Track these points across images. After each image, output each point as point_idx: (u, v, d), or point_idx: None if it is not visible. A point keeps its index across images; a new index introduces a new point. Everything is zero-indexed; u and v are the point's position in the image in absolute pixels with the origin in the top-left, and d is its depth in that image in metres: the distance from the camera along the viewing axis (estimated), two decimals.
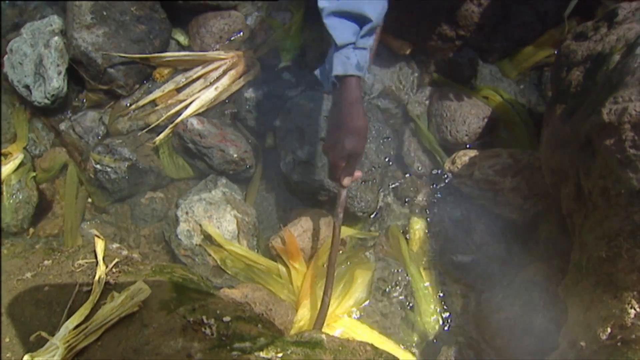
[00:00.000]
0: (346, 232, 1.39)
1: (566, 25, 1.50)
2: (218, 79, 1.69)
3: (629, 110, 0.82)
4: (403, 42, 1.58)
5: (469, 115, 1.45)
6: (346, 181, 1.15)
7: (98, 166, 1.53)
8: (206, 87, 1.69)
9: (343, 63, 1.05)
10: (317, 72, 1.17)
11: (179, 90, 1.70)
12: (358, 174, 1.17)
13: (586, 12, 1.50)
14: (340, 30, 1.06)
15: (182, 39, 1.81)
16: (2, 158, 1.54)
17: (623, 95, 0.84)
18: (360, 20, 1.05)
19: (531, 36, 1.58)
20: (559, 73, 1.14)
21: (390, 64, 1.59)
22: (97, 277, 1.05)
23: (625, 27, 1.00)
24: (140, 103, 1.66)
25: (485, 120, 1.45)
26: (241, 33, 1.79)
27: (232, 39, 1.77)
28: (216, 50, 1.75)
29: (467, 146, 1.46)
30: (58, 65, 1.63)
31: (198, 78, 1.71)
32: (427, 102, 1.55)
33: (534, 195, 1.30)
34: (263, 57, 1.72)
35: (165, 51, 1.76)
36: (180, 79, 1.71)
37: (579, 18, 1.52)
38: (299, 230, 1.37)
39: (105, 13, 1.63)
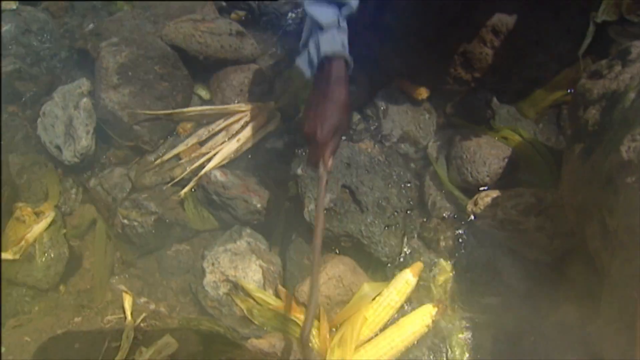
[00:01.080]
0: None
1: (581, 64, 1.52)
2: (239, 130, 1.73)
3: None
4: (419, 86, 1.61)
5: (489, 156, 1.45)
6: (331, 162, 1.16)
7: (125, 221, 1.57)
8: (228, 139, 1.73)
9: (330, 43, 1.14)
10: (297, 60, 1.22)
11: (201, 143, 1.75)
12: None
13: (600, 51, 1.51)
14: (323, 14, 1.15)
15: (203, 93, 1.87)
16: (35, 217, 1.58)
17: None
18: (338, 4, 1.16)
19: (547, 76, 1.59)
20: (576, 112, 1.14)
21: (408, 109, 1.61)
22: (125, 333, 1.07)
23: (639, 65, 1.01)
24: (165, 157, 1.71)
25: (506, 160, 1.45)
26: (261, 85, 1.84)
27: (252, 91, 1.83)
28: (237, 102, 1.80)
29: (489, 187, 1.46)
30: (87, 125, 1.69)
31: (220, 131, 1.75)
32: (446, 144, 1.56)
33: (559, 234, 1.29)
34: (283, 107, 1.77)
35: (188, 106, 1.82)
36: (203, 132, 1.76)
37: (594, 57, 1.54)
38: (324, 277, 1.37)
39: (130, 73, 1.70)
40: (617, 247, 0.92)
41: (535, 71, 1.58)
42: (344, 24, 1.16)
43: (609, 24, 1.52)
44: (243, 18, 2.06)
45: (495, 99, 1.60)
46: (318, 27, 1.14)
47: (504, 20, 1.48)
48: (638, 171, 0.84)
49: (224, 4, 2.09)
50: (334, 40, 1.14)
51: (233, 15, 2.06)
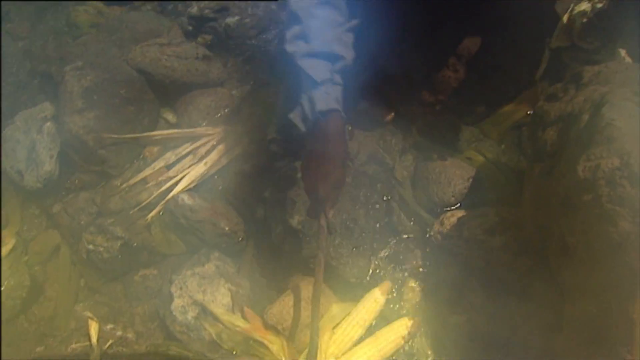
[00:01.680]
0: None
1: (539, 87, 1.58)
2: (207, 154, 1.73)
3: (602, 167, 0.86)
4: (385, 109, 1.64)
5: (454, 176, 1.48)
6: (331, 213, 1.17)
7: (91, 246, 1.54)
8: (195, 162, 1.72)
9: (325, 99, 1.12)
10: (291, 115, 1.20)
11: (169, 167, 1.74)
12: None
13: (556, 75, 1.57)
14: (316, 69, 1.13)
15: (170, 117, 1.87)
16: None
17: (595, 152, 0.88)
18: (332, 58, 1.14)
19: (507, 98, 1.65)
20: (535, 133, 1.19)
21: (374, 131, 1.64)
22: None
23: (591, 88, 1.06)
24: (132, 182, 1.69)
25: (470, 180, 1.49)
26: (228, 108, 1.85)
27: (220, 114, 1.83)
28: (204, 126, 1.80)
29: (455, 207, 1.49)
30: (50, 150, 1.67)
31: (187, 154, 1.75)
32: (412, 166, 1.59)
33: (523, 252, 1.32)
34: (250, 130, 1.77)
35: (155, 129, 1.81)
36: (170, 156, 1.75)
37: (551, 80, 1.60)
38: (294, 299, 1.37)
39: (95, 97, 1.68)
40: (577, 264, 0.95)
41: (496, 94, 1.63)
42: (337, 79, 1.15)
43: (563, 50, 1.58)
44: (210, 41, 2.07)
45: (459, 121, 1.64)
46: (312, 83, 1.13)
47: (466, 45, 1.53)
48: (594, 190, 0.87)
49: (190, 27, 2.10)
50: (328, 97, 1.13)
51: (200, 39, 2.07)
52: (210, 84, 1.88)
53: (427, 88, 1.58)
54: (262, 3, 2.05)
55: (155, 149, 1.78)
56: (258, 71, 1.96)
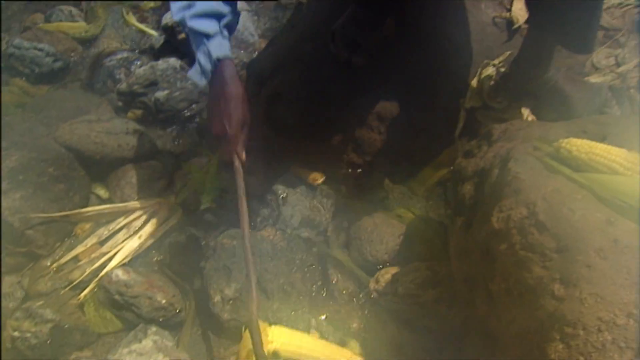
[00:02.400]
0: None
1: (458, 145, 1.68)
2: (141, 227, 1.71)
3: (512, 217, 0.92)
4: (316, 173, 1.69)
5: (385, 234, 1.53)
6: (244, 154, 1.28)
7: (16, 333, 1.46)
8: (129, 236, 1.70)
9: (219, 48, 1.26)
10: (189, 73, 1.32)
11: (102, 243, 1.70)
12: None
13: (473, 132, 1.68)
14: (207, 25, 1.26)
15: (102, 192, 1.84)
16: None
17: (505, 204, 0.95)
18: (217, 16, 1.27)
19: (431, 156, 1.74)
20: (455, 188, 1.26)
21: (306, 195, 1.68)
22: None
23: (499, 145, 1.14)
24: (62, 261, 1.64)
25: (401, 237, 1.54)
26: (160, 180, 1.85)
27: (152, 187, 1.82)
28: (137, 199, 1.78)
29: (388, 264, 1.53)
30: None
31: (121, 229, 1.72)
32: (345, 226, 1.63)
33: (456, 303, 1.36)
34: (184, 201, 1.77)
35: (86, 206, 1.78)
36: (103, 231, 1.72)
37: (468, 137, 1.70)
38: None
39: (21, 177, 1.65)
40: (501, 310, 0.99)
41: (419, 153, 1.72)
42: (225, 33, 1.29)
43: (477, 109, 1.71)
44: (140, 116, 2.08)
45: (387, 180, 1.71)
46: (204, 37, 1.25)
47: (388, 108, 1.62)
48: (508, 239, 0.93)
49: (120, 103, 2.11)
50: (222, 45, 1.27)
51: (130, 114, 2.08)
52: (142, 157, 1.88)
53: (354, 150, 1.64)
54: None
55: (87, 225, 1.74)
56: (189, 142, 1.98)
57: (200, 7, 1.25)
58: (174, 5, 1.27)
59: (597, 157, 0.93)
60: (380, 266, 1.53)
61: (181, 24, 1.27)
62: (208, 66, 1.27)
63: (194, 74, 1.30)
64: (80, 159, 1.81)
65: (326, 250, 1.60)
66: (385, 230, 1.54)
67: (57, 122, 1.92)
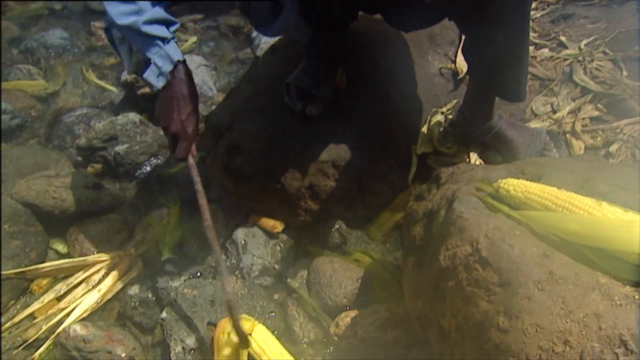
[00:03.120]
0: None
1: (411, 189, 1.74)
2: (100, 281, 1.70)
3: (458, 254, 0.97)
4: (274, 221, 1.72)
5: (344, 278, 1.56)
6: (194, 148, 1.41)
7: None
8: (89, 290, 1.68)
9: (176, 51, 1.35)
10: (145, 75, 1.36)
11: (59, 298, 1.67)
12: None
13: (425, 177, 1.75)
14: (162, 30, 1.33)
15: (60, 247, 1.83)
16: None
17: (451, 242, 1.00)
18: (168, 23, 1.35)
19: (386, 201, 1.80)
20: (407, 230, 1.31)
21: (266, 243, 1.70)
22: None
23: (446, 187, 1.21)
24: (16, 319, 1.61)
25: (359, 281, 1.57)
26: (120, 233, 1.85)
27: (112, 240, 1.82)
28: (97, 253, 1.78)
29: (347, 308, 1.55)
30: None
31: (80, 283, 1.70)
32: (305, 272, 1.65)
33: (414, 344, 1.39)
34: (144, 253, 1.78)
35: (43, 262, 1.76)
36: (61, 287, 1.69)
37: (421, 182, 1.78)
38: None
39: None
40: (453, 346, 1.03)
41: (375, 198, 1.78)
42: (175, 38, 1.38)
43: (428, 155, 1.79)
44: (100, 170, 2.10)
45: (344, 226, 1.75)
46: (161, 41, 1.31)
47: (342, 155, 1.68)
48: (455, 275, 0.98)
49: (79, 158, 2.12)
50: (177, 49, 1.35)
51: (89, 169, 2.09)
52: (101, 211, 1.89)
53: (311, 197, 1.69)
54: (150, 130, 2.14)
55: (44, 281, 1.72)
56: (149, 195, 2.00)
57: (152, 14, 1.31)
58: (115, 9, 1.30)
59: (532, 195, 1.00)
60: (341, 310, 1.55)
61: (129, 27, 1.30)
62: (167, 68, 1.33)
63: (150, 76, 1.35)
64: (38, 214, 1.80)
65: (287, 297, 1.62)
66: (343, 274, 1.58)
67: (14, 179, 1.91)
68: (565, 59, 2.02)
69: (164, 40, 1.32)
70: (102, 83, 2.62)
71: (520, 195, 1.02)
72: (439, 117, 1.82)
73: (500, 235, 0.96)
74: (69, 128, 2.30)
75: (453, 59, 2.06)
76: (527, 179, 1.11)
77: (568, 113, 1.82)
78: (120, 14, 1.30)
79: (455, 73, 2.01)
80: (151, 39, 1.32)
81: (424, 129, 1.82)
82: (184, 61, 1.37)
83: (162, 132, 2.17)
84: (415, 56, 1.97)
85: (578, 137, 1.75)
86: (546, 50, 2.11)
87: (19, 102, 2.42)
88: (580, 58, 1.99)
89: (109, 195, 1.92)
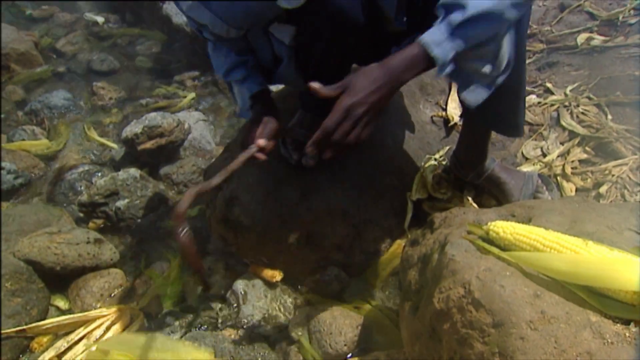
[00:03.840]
0: None
1: (408, 235, 1.77)
2: (102, 336, 1.70)
3: (451, 296, 1.00)
4: (273, 271, 1.74)
5: (344, 326, 1.57)
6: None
7: None
8: (89, 347, 1.68)
9: (251, 87, 1.51)
10: (238, 114, 1.63)
11: (60, 356, 1.67)
12: None
13: (421, 222, 1.78)
14: (238, 74, 1.54)
15: (62, 303, 1.84)
16: None
17: (444, 285, 1.03)
18: (243, 64, 1.53)
19: (383, 248, 1.82)
20: (403, 275, 1.33)
21: (266, 293, 1.72)
22: None
23: (439, 231, 1.24)
24: None
25: (359, 328, 1.58)
26: (122, 287, 1.86)
27: (113, 294, 1.84)
28: (98, 308, 1.79)
29: (349, 355, 1.55)
30: None
31: (81, 339, 1.70)
32: (305, 321, 1.66)
33: None
34: (145, 307, 1.79)
35: (44, 319, 1.76)
36: (62, 344, 1.69)
37: (417, 227, 1.80)
38: None
39: None
40: None
41: (373, 245, 1.80)
42: (254, 71, 1.54)
43: (423, 201, 1.82)
44: (101, 225, 2.13)
45: (343, 273, 1.76)
46: (239, 83, 1.53)
47: (339, 204, 1.71)
48: (450, 318, 1.00)
49: (81, 214, 2.16)
50: (252, 84, 1.51)
51: (91, 224, 2.13)
52: (102, 265, 1.91)
53: (309, 246, 1.71)
54: (151, 185, 2.18)
55: (45, 338, 1.72)
56: (150, 248, 2.02)
57: (228, 63, 1.50)
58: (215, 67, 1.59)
59: (520, 236, 1.03)
60: (342, 357, 1.55)
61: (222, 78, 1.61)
62: (246, 104, 1.49)
63: (241, 113, 1.55)
64: (39, 271, 1.82)
65: (289, 345, 1.62)
66: (343, 322, 1.58)
67: (16, 237, 1.94)
68: (552, 105, 2.08)
69: (241, 82, 1.51)
70: (103, 140, 2.69)
71: (509, 236, 1.04)
72: (433, 164, 1.86)
73: (491, 277, 0.98)
74: (71, 185, 2.35)
75: (444, 107, 2.13)
76: (517, 221, 1.14)
77: (558, 156, 1.87)
78: (216, 70, 1.59)
79: (446, 121, 2.08)
80: (234, 84, 1.54)
81: (418, 175, 1.86)
82: (258, 92, 1.49)
83: (162, 186, 2.23)
84: (407, 105, 2.04)
85: (569, 179, 1.79)
86: (534, 96, 2.18)
87: (22, 162, 2.48)
88: (567, 103, 2.05)
89: (110, 249, 1.94)
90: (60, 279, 1.86)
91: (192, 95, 3.01)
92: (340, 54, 1.48)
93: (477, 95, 1.22)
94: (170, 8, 3.37)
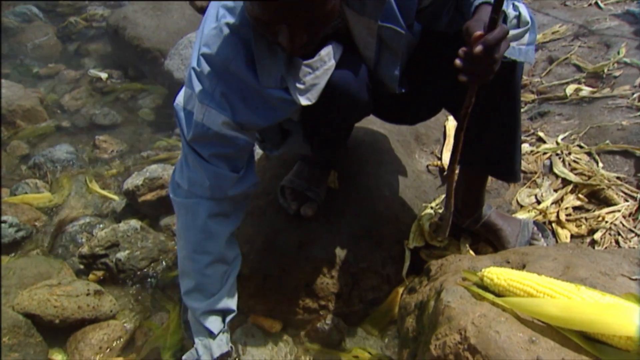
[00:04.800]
0: None
1: (406, 283, 1.78)
2: None
3: (448, 343, 1.01)
4: (273, 320, 1.75)
5: None
6: None
7: None
8: None
9: (219, 345, 1.44)
10: (185, 357, 1.46)
11: None
12: None
13: (419, 270, 1.80)
14: (213, 323, 1.45)
15: (60, 357, 1.82)
16: None
17: (441, 331, 1.04)
18: (225, 312, 1.46)
19: (382, 296, 1.83)
20: (401, 322, 1.34)
21: (265, 343, 1.71)
22: None
23: (435, 279, 1.26)
24: None
25: None
26: (121, 339, 1.86)
27: (112, 347, 1.83)
28: None
29: None
30: None
31: None
32: None
33: None
34: (145, 358, 1.78)
35: None
36: None
37: (415, 275, 1.82)
38: None
39: None
40: None
41: (371, 293, 1.80)
42: (227, 327, 1.49)
43: (420, 249, 1.84)
44: (102, 277, 2.14)
45: (342, 322, 1.76)
46: (209, 334, 1.45)
47: (337, 253, 1.74)
48: None
49: (81, 266, 2.17)
50: (222, 343, 1.46)
51: (91, 276, 2.13)
52: (102, 317, 1.90)
53: (309, 295, 1.72)
54: (151, 236, 2.21)
55: None
56: (150, 299, 2.03)
57: (212, 302, 1.43)
58: (182, 285, 1.49)
59: (514, 282, 1.05)
60: None
61: (191, 310, 1.47)
62: (206, 358, 1.42)
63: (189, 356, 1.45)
64: (38, 324, 1.82)
65: None
66: None
67: (16, 290, 1.94)
68: (545, 153, 2.13)
69: (212, 334, 1.43)
70: (105, 192, 2.73)
71: (503, 283, 1.07)
72: (429, 212, 1.89)
73: (486, 323, 1.00)
74: (72, 237, 2.37)
75: (439, 156, 2.18)
76: (511, 268, 1.17)
77: (552, 203, 1.90)
78: (186, 289, 1.46)
79: (442, 169, 2.12)
80: (203, 328, 1.44)
81: (415, 224, 1.89)
82: (224, 354, 1.45)
83: (162, 237, 2.25)
84: (403, 155, 2.09)
85: (563, 226, 1.81)
86: (526, 145, 2.23)
87: (24, 215, 2.50)
88: (559, 152, 2.10)
89: (110, 301, 1.95)
90: (59, 332, 1.85)
91: None
92: (345, 123, 1.59)
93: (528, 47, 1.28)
94: (171, 64, 3.48)
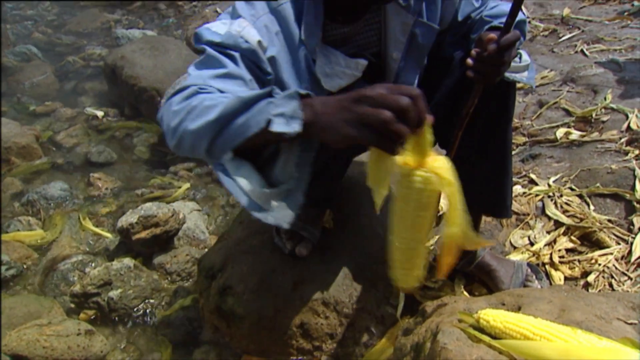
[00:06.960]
0: None
1: (400, 324, 1.77)
2: None
3: None
4: None
5: None
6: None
7: None
8: None
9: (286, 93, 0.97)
10: (274, 127, 0.95)
11: None
12: None
13: (413, 311, 1.80)
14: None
15: None
16: None
17: None
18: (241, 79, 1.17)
19: (375, 337, 1.81)
20: None
21: None
22: None
23: (431, 320, 1.26)
24: None
25: None
26: None
27: None
28: None
29: None
30: None
31: None
32: None
33: None
34: None
35: None
36: None
37: (410, 316, 1.81)
38: None
39: None
40: None
41: (366, 334, 1.79)
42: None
43: (415, 290, 1.84)
44: (93, 316, 2.11)
45: None
46: (267, 96, 0.98)
47: (332, 293, 1.73)
48: None
49: (72, 305, 2.14)
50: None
51: (82, 315, 2.11)
52: (92, 358, 1.87)
53: (302, 336, 1.71)
54: (144, 274, 2.19)
55: None
56: (142, 339, 2.00)
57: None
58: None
59: (510, 325, 1.05)
60: None
61: (224, 103, 1.01)
62: (293, 111, 0.94)
63: (278, 125, 0.95)
64: None
65: None
66: None
67: (5, 330, 1.91)
68: (537, 195, 2.16)
69: (268, 95, 0.99)
70: (98, 230, 2.71)
71: (499, 325, 1.07)
72: None
73: None
74: (63, 275, 2.35)
75: None
76: (507, 309, 1.17)
77: (545, 245, 1.92)
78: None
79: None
80: (254, 97, 0.99)
81: None
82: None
83: (155, 276, 2.23)
84: None
85: (557, 268, 1.83)
86: (519, 187, 2.26)
87: (15, 253, 2.48)
88: (551, 194, 2.13)
89: (100, 341, 1.92)
90: None
91: (187, 185, 3.08)
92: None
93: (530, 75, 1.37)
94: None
